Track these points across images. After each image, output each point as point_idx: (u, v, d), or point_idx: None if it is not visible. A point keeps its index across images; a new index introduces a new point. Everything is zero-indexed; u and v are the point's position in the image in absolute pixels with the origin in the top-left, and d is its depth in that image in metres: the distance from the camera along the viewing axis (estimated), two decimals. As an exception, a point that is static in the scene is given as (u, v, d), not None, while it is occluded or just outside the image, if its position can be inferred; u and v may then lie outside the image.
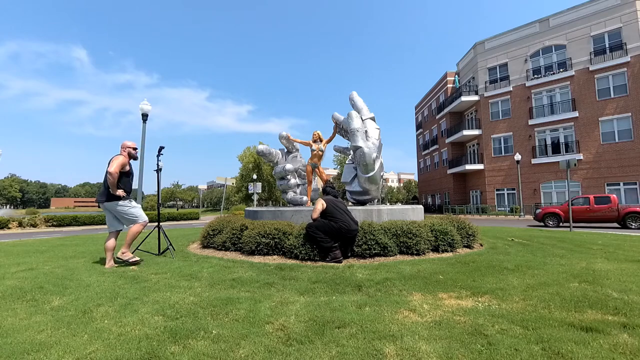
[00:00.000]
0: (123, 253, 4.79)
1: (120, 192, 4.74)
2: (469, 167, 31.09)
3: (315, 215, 5.21)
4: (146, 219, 4.98)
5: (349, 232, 5.06)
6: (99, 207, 5.06)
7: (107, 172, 4.64)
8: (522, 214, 24.61)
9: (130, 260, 4.80)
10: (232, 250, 5.97)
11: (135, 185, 5.29)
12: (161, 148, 5.95)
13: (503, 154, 29.36)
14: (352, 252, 5.25)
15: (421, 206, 7.20)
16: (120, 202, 4.79)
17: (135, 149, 5.16)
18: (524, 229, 12.16)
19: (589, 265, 4.60)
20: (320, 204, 5.29)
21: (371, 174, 6.35)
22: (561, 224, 15.16)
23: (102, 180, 4.84)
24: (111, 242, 4.82)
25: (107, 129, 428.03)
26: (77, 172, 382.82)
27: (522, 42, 28.53)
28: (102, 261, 5.35)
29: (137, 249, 5.95)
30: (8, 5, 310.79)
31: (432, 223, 5.95)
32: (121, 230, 5.05)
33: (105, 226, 20.86)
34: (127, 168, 4.91)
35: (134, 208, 4.91)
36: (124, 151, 5.02)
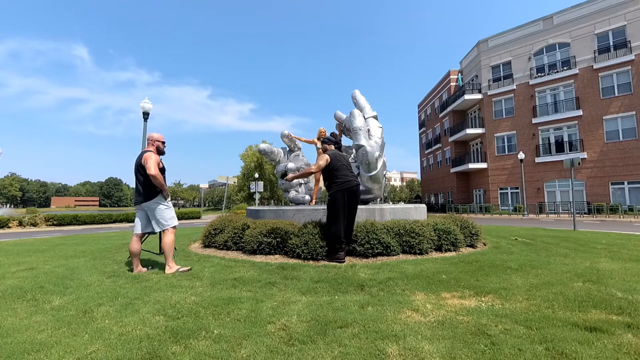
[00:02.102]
0: (170, 268, 4.33)
1: (166, 192, 4.48)
2: (472, 165, 30.98)
3: (316, 169, 4.98)
4: (177, 222, 4.58)
5: (357, 193, 4.92)
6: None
7: (146, 174, 4.25)
8: (525, 213, 24.50)
9: (181, 271, 4.34)
10: (233, 250, 5.96)
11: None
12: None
13: (506, 152, 29.26)
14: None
15: (424, 205, 7.16)
16: (160, 201, 4.44)
17: (164, 143, 4.69)
18: (528, 228, 12.10)
19: (593, 265, 4.56)
20: (325, 159, 4.99)
21: (374, 172, 6.32)
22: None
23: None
24: (137, 246, 4.43)
25: (108, 128, 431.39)
26: (77, 171, 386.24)
27: (526, 40, 28.39)
28: (103, 260, 5.36)
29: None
30: (8, 2, 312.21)
31: (435, 222, 5.91)
32: (150, 233, 4.67)
33: (105, 225, 20.65)
34: (161, 165, 4.51)
35: (169, 209, 4.54)
36: (152, 145, 4.56)
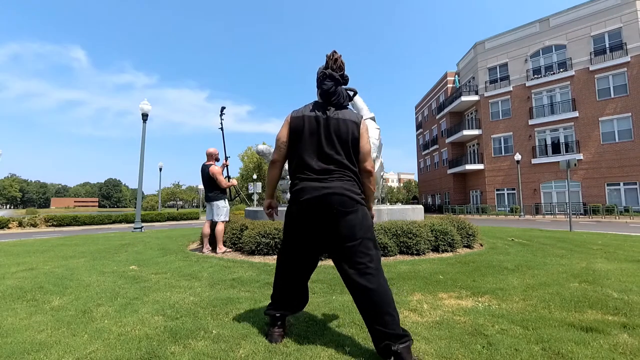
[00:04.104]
0: (220, 249, 5.83)
1: (233, 182, 6.58)
2: (469, 167, 31.09)
3: None
4: (227, 219, 6.22)
5: None
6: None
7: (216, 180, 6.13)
8: (522, 214, 24.60)
9: (226, 252, 5.81)
10: (232, 250, 5.97)
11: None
12: (223, 108, 6.76)
13: (503, 154, 29.38)
14: None
15: (421, 206, 7.20)
16: (221, 201, 6.20)
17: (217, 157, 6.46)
18: (524, 228, 12.14)
19: (589, 265, 4.60)
20: None
21: (371, 173, 6.35)
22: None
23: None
24: (206, 229, 6.13)
25: (107, 129, 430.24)
26: (77, 172, 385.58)
27: (522, 42, 28.55)
28: (102, 261, 5.35)
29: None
30: (10, 6, 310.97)
31: (432, 223, 5.94)
32: (213, 220, 6.13)
33: (105, 226, 20.93)
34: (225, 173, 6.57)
35: (226, 208, 6.25)
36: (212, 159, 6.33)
